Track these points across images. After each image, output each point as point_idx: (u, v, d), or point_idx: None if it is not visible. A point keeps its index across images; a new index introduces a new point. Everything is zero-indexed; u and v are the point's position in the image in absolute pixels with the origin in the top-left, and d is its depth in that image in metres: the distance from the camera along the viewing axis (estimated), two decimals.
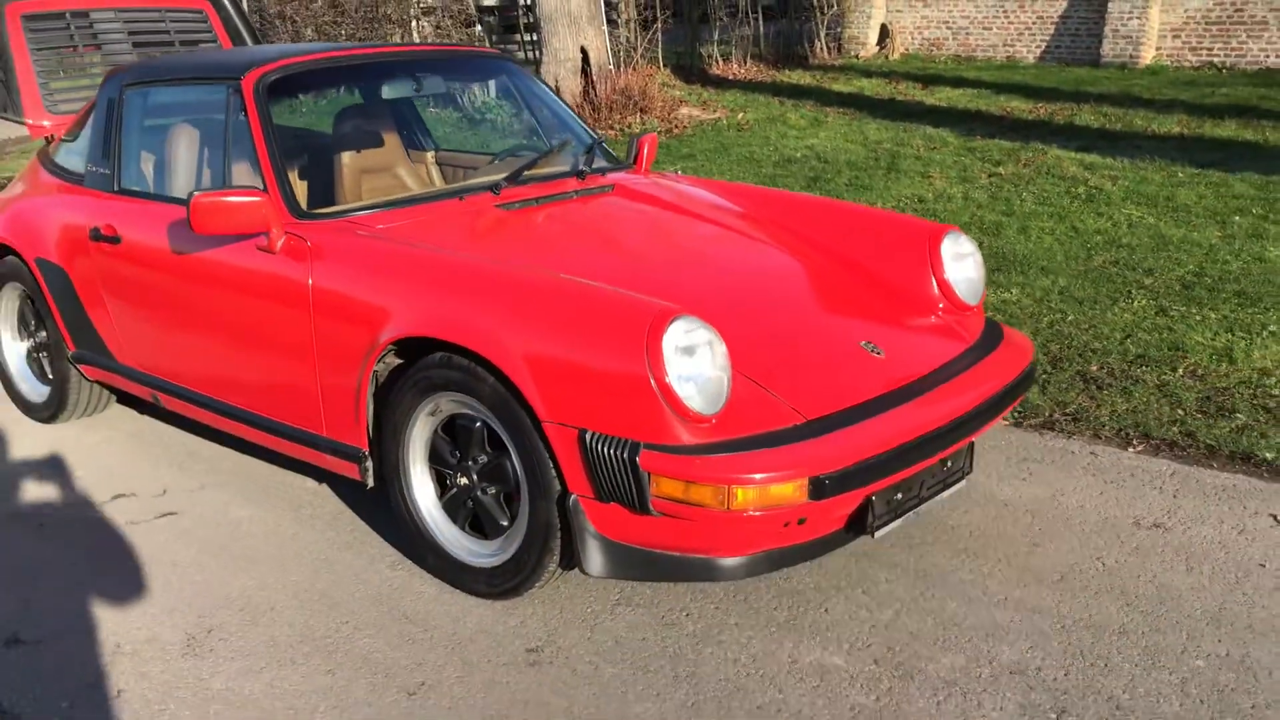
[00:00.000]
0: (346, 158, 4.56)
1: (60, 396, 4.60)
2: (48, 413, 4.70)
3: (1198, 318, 5.34)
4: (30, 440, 4.60)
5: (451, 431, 3.25)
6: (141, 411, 4.85)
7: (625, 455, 2.75)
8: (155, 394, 4.16)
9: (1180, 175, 8.24)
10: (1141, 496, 3.74)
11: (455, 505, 3.27)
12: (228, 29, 5.61)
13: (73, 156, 4.66)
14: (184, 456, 4.37)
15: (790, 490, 2.72)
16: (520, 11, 17.23)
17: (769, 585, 3.25)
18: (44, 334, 4.70)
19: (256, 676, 2.93)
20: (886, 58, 16.20)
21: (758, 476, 2.69)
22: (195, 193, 3.39)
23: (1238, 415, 4.31)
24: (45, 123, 5.04)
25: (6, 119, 4.98)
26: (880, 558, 3.38)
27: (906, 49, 16.51)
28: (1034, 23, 15.41)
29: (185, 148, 4.03)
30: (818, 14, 16.73)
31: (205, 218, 3.39)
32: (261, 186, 3.62)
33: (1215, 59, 13.91)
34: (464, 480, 3.19)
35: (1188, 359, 4.83)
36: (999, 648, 2.92)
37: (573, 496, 2.90)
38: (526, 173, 3.95)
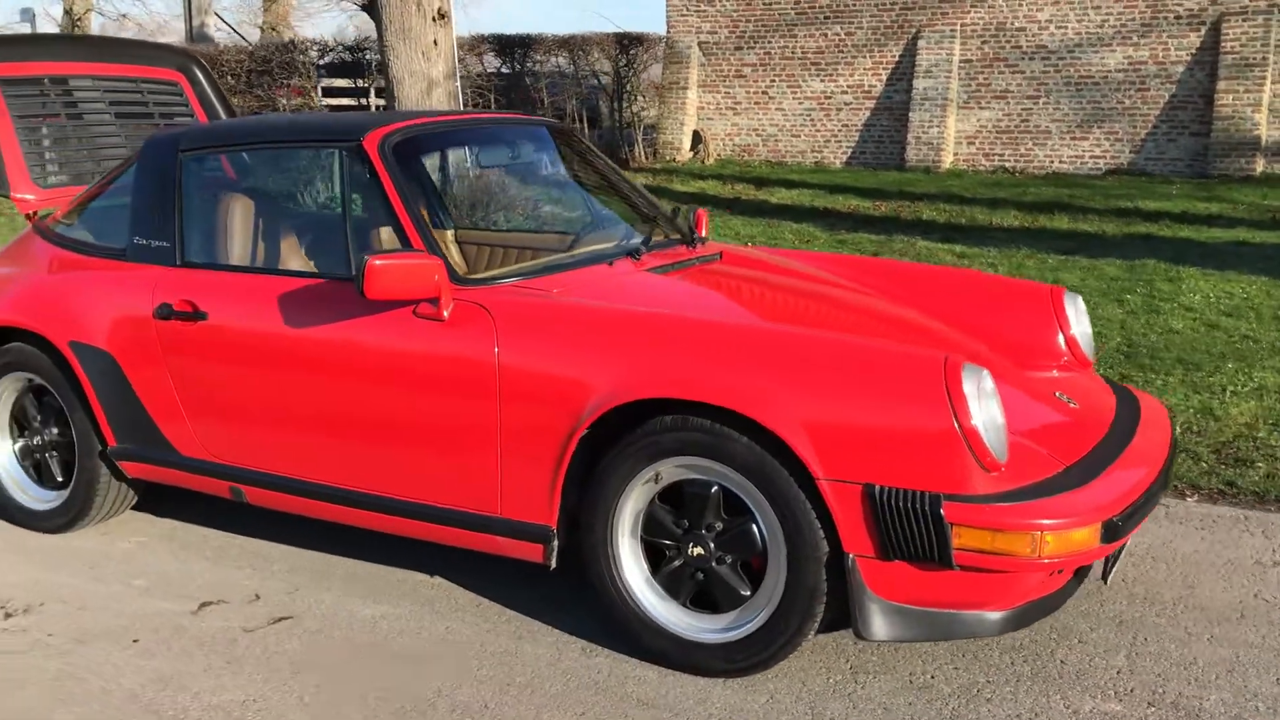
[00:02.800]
0: (385, 233, 4.32)
1: (84, 500, 4.04)
2: (61, 520, 4.12)
3: (1160, 383, 5.76)
4: (52, 553, 4.01)
5: (669, 500, 3.08)
6: (159, 513, 4.33)
7: (926, 508, 2.69)
8: (238, 488, 3.73)
9: (1051, 261, 8.93)
10: (1238, 539, 3.97)
11: (676, 580, 3.09)
12: (201, 101, 5.24)
13: (93, 230, 4.20)
14: (247, 556, 3.93)
15: (1086, 535, 2.75)
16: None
17: (990, 643, 3.23)
18: (51, 431, 4.14)
19: None
20: (702, 162, 16.84)
21: (1062, 522, 2.71)
22: (369, 256, 3.14)
23: (1257, 465, 4.66)
24: (30, 197, 4.53)
25: None
26: (1064, 608, 3.42)
27: (719, 154, 17.22)
28: (840, 130, 16.44)
29: (276, 215, 3.72)
30: (636, 120, 17.23)
31: (381, 282, 3.13)
32: (403, 247, 3.39)
33: (1006, 164, 15.25)
34: (698, 550, 3.03)
35: (1180, 418, 5.19)
36: (1251, 680, 3.01)
37: (849, 557, 2.81)
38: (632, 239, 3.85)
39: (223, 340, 3.63)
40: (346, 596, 3.61)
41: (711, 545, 3.02)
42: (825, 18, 16.22)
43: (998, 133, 15.30)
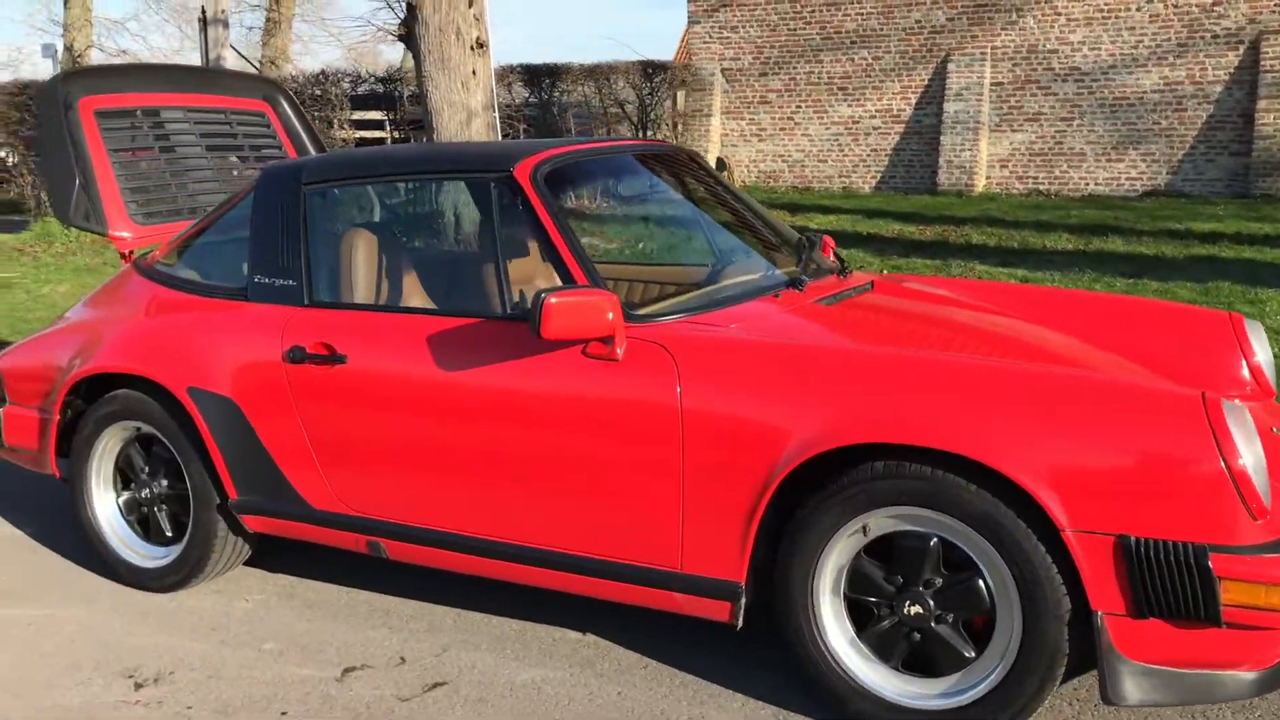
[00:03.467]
0: (509, 266, 4.09)
1: (200, 557, 3.78)
2: (173, 578, 3.85)
3: None
4: (168, 614, 3.75)
5: (877, 554, 2.84)
6: (271, 568, 4.08)
7: (1190, 560, 2.46)
8: (376, 542, 3.48)
9: (1119, 285, 8.72)
10: None
11: (887, 640, 2.84)
12: (288, 132, 5.02)
13: (203, 269, 3.97)
14: (378, 613, 3.67)
15: None
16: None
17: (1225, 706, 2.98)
18: (160, 483, 3.89)
19: None
20: None
21: None
22: (544, 293, 2.91)
23: None
24: (127, 234, 4.30)
25: (86, 229, 4.19)
26: None
27: (744, 180, 17.06)
28: (868, 155, 16.30)
29: (410, 251, 3.49)
30: None
31: (558, 321, 2.91)
32: (565, 283, 3.17)
33: (1041, 186, 15.09)
34: (915, 609, 2.78)
35: None
36: None
37: (1098, 615, 2.56)
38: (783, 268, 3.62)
39: (365, 384, 3.38)
40: (499, 658, 3.35)
41: (931, 603, 2.77)
42: (851, 43, 16.10)
43: (1031, 155, 15.15)
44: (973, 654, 2.76)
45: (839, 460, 2.81)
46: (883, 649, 2.85)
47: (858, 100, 16.19)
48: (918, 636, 2.81)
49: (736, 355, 2.94)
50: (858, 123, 16.21)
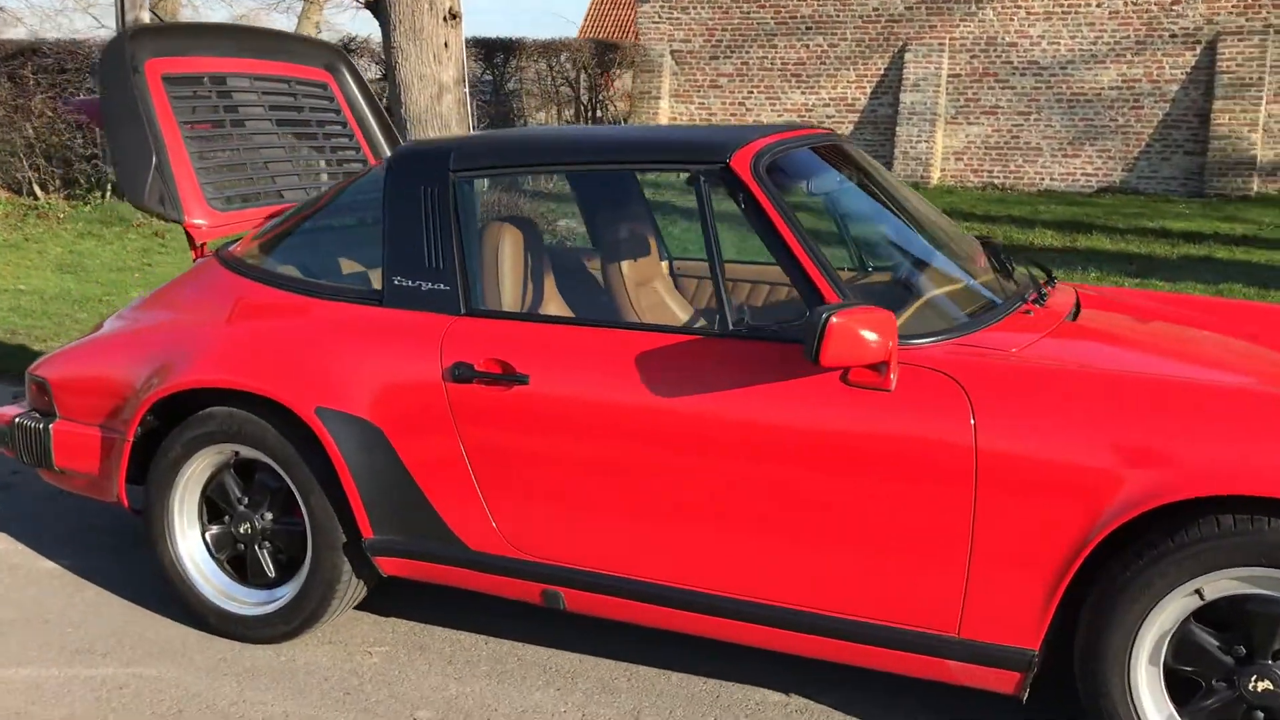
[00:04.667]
0: (626, 268, 3.63)
1: (319, 603, 3.22)
2: (283, 628, 3.28)
3: None
4: (283, 673, 3.19)
5: (1208, 619, 2.47)
6: (381, 612, 3.54)
7: None
8: (554, 591, 2.98)
9: (1127, 285, 8.56)
10: None
11: (1223, 717, 2.47)
12: (351, 106, 4.44)
13: (310, 266, 3.41)
14: (535, 669, 3.17)
15: None
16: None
17: None
18: (263, 516, 3.31)
19: None
20: None
21: None
22: (826, 312, 2.46)
23: None
24: (203, 222, 3.68)
25: (160, 215, 3.56)
26: None
27: None
28: None
29: (592, 253, 2.99)
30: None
31: (840, 345, 2.47)
32: (805, 296, 2.72)
33: (996, 180, 15.04)
34: (1263, 685, 2.41)
35: None
36: None
37: None
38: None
39: (553, 410, 2.87)
40: None
41: None
42: (807, 28, 15.81)
43: (987, 149, 15.09)
44: None
45: (1168, 510, 2.43)
46: None
47: (812, 88, 15.92)
48: (1261, 716, 2.44)
49: (1045, 387, 2.53)
50: (811, 111, 15.94)
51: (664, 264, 4.06)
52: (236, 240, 3.68)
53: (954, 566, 2.57)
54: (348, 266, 3.49)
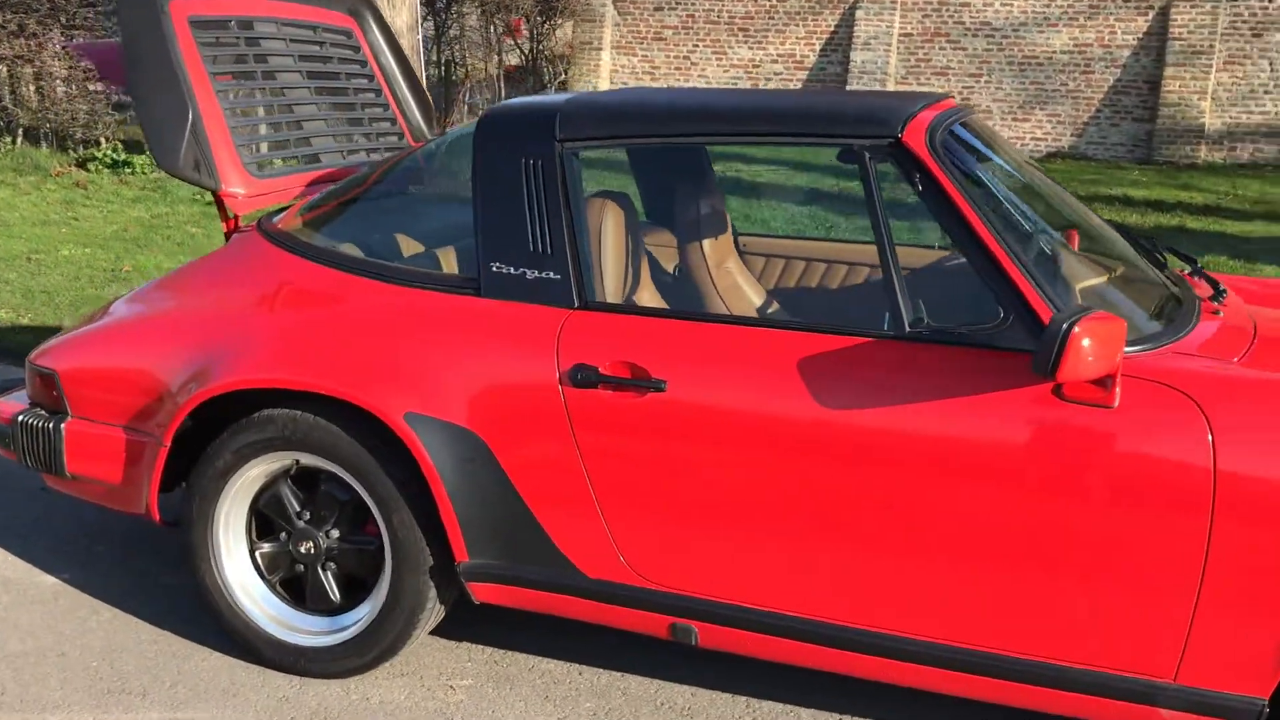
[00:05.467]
0: (708, 248, 3.27)
1: (399, 633, 2.81)
2: (355, 662, 2.86)
3: None
4: (359, 715, 2.78)
5: None
6: (450, 636, 3.13)
7: None
8: (685, 625, 2.61)
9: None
10: None
11: None
12: (375, 55, 3.96)
13: (378, 246, 2.96)
14: (648, 707, 2.82)
15: None
16: None
17: None
18: (329, 534, 2.87)
19: None
20: None
21: None
22: (1068, 320, 2.12)
23: None
24: (240, 190, 3.20)
25: (194, 182, 3.06)
26: None
27: None
28: None
29: (733, 239, 2.61)
30: (552, 83, 16.04)
31: (1080, 360, 2.14)
32: (997, 294, 2.39)
33: None
34: None
35: None
36: None
37: None
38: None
39: (697, 421, 2.49)
40: None
41: None
42: None
43: None
44: None
45: None
46: None
47: (759, 43, 15.55)
48: None
49: None
50: (759, 67, 15.58)
51: (725, 235, 3.69)
52: (278, 213, 3.20)
53: (1179, 604, 2.27)
54: (423, 247, 3.05)
